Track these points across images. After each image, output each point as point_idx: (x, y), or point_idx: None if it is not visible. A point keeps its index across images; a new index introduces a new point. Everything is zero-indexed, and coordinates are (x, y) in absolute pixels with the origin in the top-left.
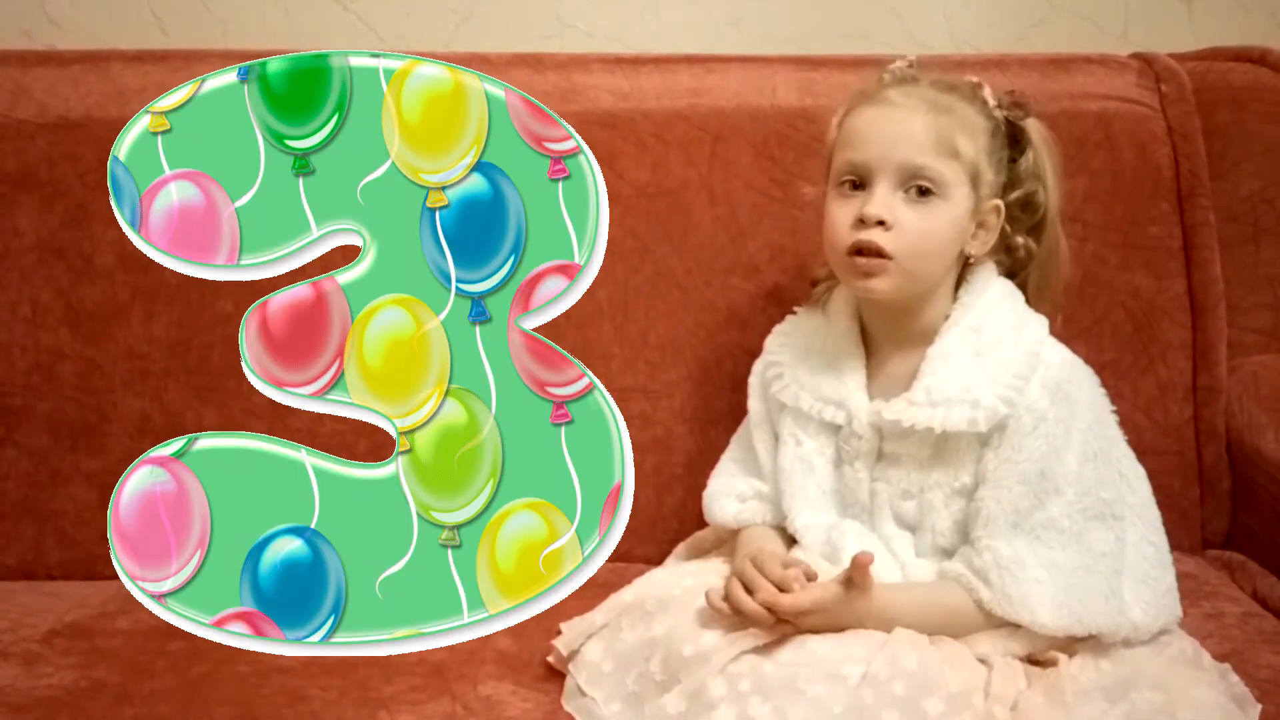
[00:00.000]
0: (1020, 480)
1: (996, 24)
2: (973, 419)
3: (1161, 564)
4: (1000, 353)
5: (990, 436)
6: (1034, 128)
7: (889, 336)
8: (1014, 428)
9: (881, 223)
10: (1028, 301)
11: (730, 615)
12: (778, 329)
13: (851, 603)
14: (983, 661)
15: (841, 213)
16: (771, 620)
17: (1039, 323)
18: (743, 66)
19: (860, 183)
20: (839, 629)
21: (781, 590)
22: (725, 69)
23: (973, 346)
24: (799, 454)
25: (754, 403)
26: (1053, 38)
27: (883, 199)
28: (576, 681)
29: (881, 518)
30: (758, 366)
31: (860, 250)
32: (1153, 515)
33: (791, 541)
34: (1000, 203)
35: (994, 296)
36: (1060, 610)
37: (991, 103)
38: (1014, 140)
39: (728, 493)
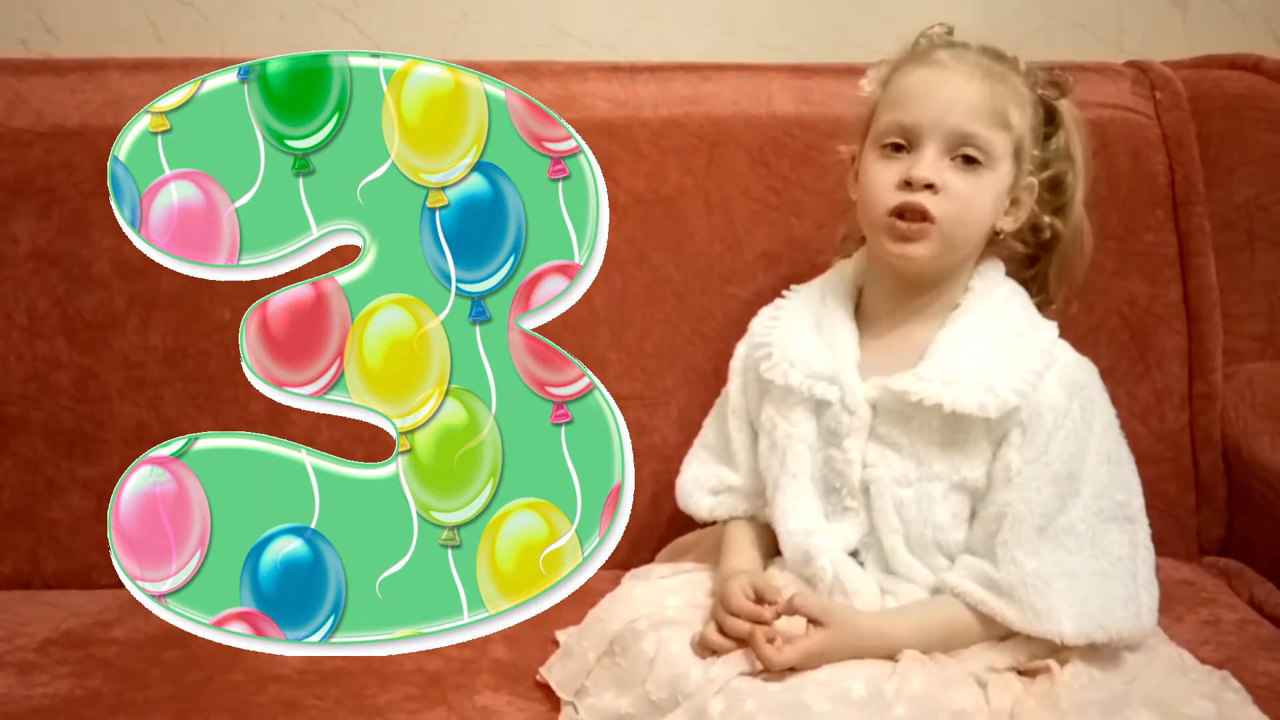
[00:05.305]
0: (1050, 481)
1: (991, 31)
2: (983, 404)
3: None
4: (1017, 347)
5: (1008, 434)
6: (1067, 108)
7: (892, 314)
8: (1036, 425)
9: (929, 186)
10: (1046, 287)
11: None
12: (764, 311)
13: (841, 637)
14: (977, 681)
15: (884, 174)
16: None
17: (1050, 325)
18: (739, 75)
19: (905, 145)
20: (842, 660)
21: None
22: (721, 77)
23: (988, 335)
24: (778, 439)
25: (734, 390)
26: (1047, 45)
27: (931, 162)
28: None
29: (883, 506)
30: (741, 349)
31: (902, 213)
32: (1146, 518)
33: (768, 530)
34: (1035, 181)
35: (1008, 292)
36: (1081, 618)
37: (1032, 78)
38: (1048, 119)
39: (699, 487)
